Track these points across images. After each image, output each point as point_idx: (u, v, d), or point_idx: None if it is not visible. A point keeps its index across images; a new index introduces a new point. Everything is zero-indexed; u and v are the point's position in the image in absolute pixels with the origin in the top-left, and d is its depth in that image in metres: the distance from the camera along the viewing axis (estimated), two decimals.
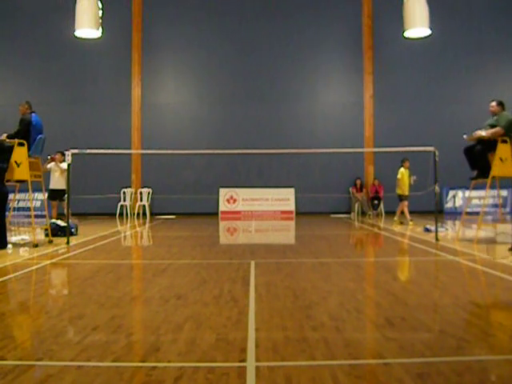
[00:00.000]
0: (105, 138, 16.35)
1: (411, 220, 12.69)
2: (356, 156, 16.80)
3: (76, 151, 9.13)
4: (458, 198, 17.00)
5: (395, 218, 13.20)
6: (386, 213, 16.04)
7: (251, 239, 11.40)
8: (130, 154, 16.72)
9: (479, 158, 8.58)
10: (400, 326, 3.65)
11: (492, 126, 8.44)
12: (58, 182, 11.65)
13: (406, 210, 13.00)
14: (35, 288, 5.36)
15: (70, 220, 9.49)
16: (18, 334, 3.65)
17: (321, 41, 17.27)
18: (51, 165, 11.77)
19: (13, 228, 11.20)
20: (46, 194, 11.08)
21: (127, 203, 16.19)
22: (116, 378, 2.69)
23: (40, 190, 10.38)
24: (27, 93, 14.62)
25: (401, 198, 13.15)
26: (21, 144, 8.29)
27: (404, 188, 13.06)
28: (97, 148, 11.47)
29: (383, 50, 17.16)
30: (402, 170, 13.12)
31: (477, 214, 10.73)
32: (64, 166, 11.66)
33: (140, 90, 17.22)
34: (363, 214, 16.45)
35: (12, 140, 8.31)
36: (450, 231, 10.98)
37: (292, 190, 16.85)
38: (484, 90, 16.21)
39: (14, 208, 12.09)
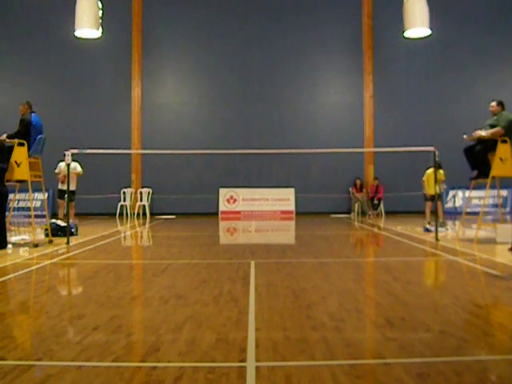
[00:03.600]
0: (105, 138, 16.35)
1: (428, 222, 11.31)
2: (356, 156, 16.79)
3: (76, 151, 9.14)
4: (457, 198, 17.00)
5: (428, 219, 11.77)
6: (386, 213, 16.05)
7: (251, 239, 11.40)
8: (129, 154, 16.71)
9: (479, 158, 8.57)
10: (400, 326, 3.65)
11: (492, 126, 8.43)
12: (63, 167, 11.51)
13: (428, 211, 11.83)
14: (35, 288, 5.36)
15: (69, 220, 9.49)
16: (18, 334, 3.65)
17: (321, 41, 17.26)
18: (62, 166, 11.50)
19: (13, 228, 11.20)
20: (46, 194, 11.08)
21: (127, 203, 16.19)
22: (116, 378, 2.69)
23: (40, 190, 10.38)
24: (27, 93, 14.60)
25: (426, 198, 12.10)
26: (21, 144, 8.29)
27: (428, 188, 11.80)
28: (97, 148, 11.47)
29: (383, 50, 17.15)
30: (429, 171, 11.77)
31: (477, 214, 10.73)
32: (78, 168, 11.51)
33: (140, 90, 17.21)
34: (363, 214, 16.45)
35: (12, 140, 8.31)
36: (450, 231, 10.97)
37: (292, 190, 16.85)
38: (484, 90, 16.20)
39: (14, 208, 12.08)
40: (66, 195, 9.89)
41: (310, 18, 17.20)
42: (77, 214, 12.60)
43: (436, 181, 9.93)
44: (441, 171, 11.73)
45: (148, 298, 4.75)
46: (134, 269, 6.94)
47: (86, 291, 5.05)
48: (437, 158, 9.11)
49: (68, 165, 9.25)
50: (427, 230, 10.56)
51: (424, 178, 12.06)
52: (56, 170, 11.72)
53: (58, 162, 11.63)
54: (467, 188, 13.55)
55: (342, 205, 16.99)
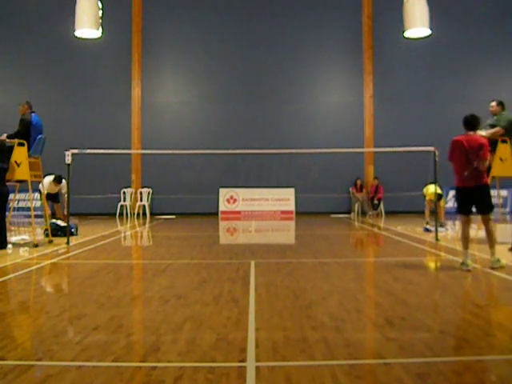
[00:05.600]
0: (105, 137, 16.33)
1: (427, 223, 11.08)
2: (356, 156, 16.78)
3: (76, 151, 9.13)
4: None
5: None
6: (386, 213, 16.04)
7: (251, 239, 11.40)
8: (129, 154, 16.69)
9: None
10: (400, 326, 3.65)
11: (492, 126, 8.44)
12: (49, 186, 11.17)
13: (428, 212, 11.50)
14: (35, 288, 5.36)
15: (69, 220, 9.49)
16: (18, 333, 3.65)
17: (321, 41, 17.26)
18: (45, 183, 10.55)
19: (13, 228, 11.20)
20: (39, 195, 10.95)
21: (127, 203, 16.18)
22: (116, 378, 2.69)
23: (40, 190, 10.39)
24: (27, 93, 14.60)
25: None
26: (21, 144, 8.29)
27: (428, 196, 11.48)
28: (97, 148, 11.46)
29: (383, 50, 17.14)
30: (429, 187, 11.39)
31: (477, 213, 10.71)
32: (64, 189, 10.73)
33: (140, 90, 17.20)
34: (363, 214, 16.45)
35: (12, 140, 8.31)
36: (449, 231, 10.97)
37: (292, 190, 16.84)
38: (484, 90, 16.19)
39: (14, 208, 12.08)
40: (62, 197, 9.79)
41: (310, 18, 17.20)
42: (77, 214, 12.60)
43: (435, 195, 10.01)
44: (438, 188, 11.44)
45: (148, 297, 4.75)
46: (134, 269, 6.94)
47: (86, 291, 5.04)
48: (437, 158, 9.11)
49: (60, 177, 9.30)
50: (427, 230, 10.56)
51: (424, 190, 11.72)
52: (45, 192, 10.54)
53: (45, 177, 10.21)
54: None
55: (341, 205, 16.98)
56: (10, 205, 9.66)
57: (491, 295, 4.99)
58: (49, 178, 10.80)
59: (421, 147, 10.02)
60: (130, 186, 16.67)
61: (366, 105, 17.16)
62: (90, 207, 16.04)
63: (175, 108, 17.33)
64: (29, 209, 10.30)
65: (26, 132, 8.55)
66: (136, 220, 15.33)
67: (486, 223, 6.18)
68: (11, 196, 8.88)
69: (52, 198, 11.40)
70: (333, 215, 16.41)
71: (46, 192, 10.55)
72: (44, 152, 9.12)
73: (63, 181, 10.70)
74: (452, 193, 17.04)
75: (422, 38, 14.56)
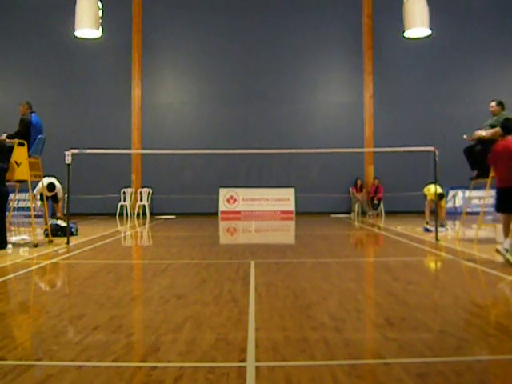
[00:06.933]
0: (105, 137, 16.34)
1: (427, 223, 11.09)
2: (356, 156, 16.78)
3: (76, 151, 9.13)
4: (457, 198, 17.00)
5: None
6: (386, 213, 16.04)
7: (251, 239, 11.40)
8: (129, 154, 16.69)
9: (479, 158, 8.57)
10: (400, 326, 3.65)
11: (492, 126, 8.43)
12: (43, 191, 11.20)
13: (428, 211, 11.50)
14: (35, 288, 5.36)
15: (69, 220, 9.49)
16: (18, 334, 3.65)
17: (321, 41, 17.26)
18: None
19: (13, 228, 11.19)
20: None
21: (127, 203, 16.18)
22: (116, 378, 2.70)
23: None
24: (27, 93, 14.60)
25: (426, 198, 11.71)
26: (21, 144, 8.30)
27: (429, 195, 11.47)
28: (97, 148, 11.46)
29: (383, 50, 17.14)
30: (430, 186, 11.37)
31: (477, 214, 10.72)
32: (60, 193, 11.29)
33: (140, 90, 17.20)
34: (363, 214, 16.45)
35: (12, 140, 8.31)
36: (449, 231, 10.97)
37: (292, 190, 16.84)
38: (484, 90, 16.19)
39: (14, 208, 12.07)
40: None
41: (310, 18, 17.20)
42: (77, 214, 12.61)
43: (436, 195, 9.91)
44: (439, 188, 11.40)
45: (148, 297, 4.75)
46: (134, 269, 6.94)
47: (86, 291, 5.04)
48: (437, 158, 9.11)
49: (52, 186, 9.25)
50: (427, 230, 10.56)
51: (424, 190, 11.71)
52: (35, 192, 10.69)
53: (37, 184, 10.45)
54: (467, 188, 13.53)
55: (342, 205, 16.98)
56: (10, 205, 9.66)
57: (491, 295, 4.99)
58: (46, 182, 10.70)
59: (421, 147, 10.02)
60: (130, 186, 16.67)
61: (366, 105, 17.16)
62: (90, 207, 16.04)
63: (175, 108, 17.33)
64: (29, 209, 10.30)
65: (26, 132, 8.55)
66: (136, 220, 15.33)
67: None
68: (11, 196, 8.88)
69: (51, 197, 11.44)
70: (333, 215, 16.41)
71: (35, 192, 10.58)
72: (44, 152, 9.11)
73: (56, 187, 10.84)
74: (452, 193, 17.11)
75: (422, 38, 14.57)
